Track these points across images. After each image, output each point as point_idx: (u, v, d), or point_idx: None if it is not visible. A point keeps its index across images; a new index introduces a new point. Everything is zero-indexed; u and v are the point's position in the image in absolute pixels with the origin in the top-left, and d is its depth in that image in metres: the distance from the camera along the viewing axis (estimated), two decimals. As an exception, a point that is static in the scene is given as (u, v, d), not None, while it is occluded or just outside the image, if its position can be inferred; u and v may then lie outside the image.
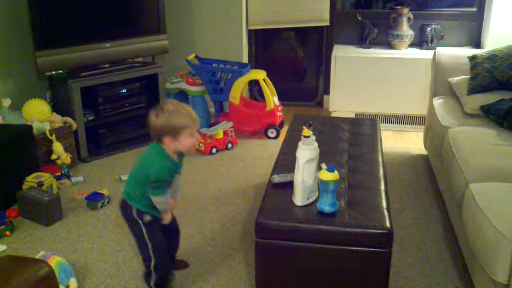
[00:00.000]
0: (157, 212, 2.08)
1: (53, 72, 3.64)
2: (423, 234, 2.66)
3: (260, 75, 4.03)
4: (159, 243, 2.11)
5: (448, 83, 3.37)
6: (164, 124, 1.93)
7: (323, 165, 1.93)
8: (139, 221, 2.06)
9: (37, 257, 2.32)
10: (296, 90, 5.05)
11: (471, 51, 3.44)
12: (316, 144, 2.00)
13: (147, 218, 2.06)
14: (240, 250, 2.53)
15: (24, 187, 2.94)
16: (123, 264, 2.42)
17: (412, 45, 4.36)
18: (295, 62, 5.04)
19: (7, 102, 3.31)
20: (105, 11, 3.68)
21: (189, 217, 2.84)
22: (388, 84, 4.15)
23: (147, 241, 2.08)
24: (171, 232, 2.23)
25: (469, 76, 3.19)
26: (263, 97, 4.12)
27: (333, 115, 4.27)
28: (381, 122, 4.16)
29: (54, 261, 2.22)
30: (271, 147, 3.83)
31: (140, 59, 4.07)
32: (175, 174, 2.06)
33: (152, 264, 2.11)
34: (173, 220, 2.22)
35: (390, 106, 4.22)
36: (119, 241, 2.61)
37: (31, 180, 2.96)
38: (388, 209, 2.01)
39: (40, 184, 2.93)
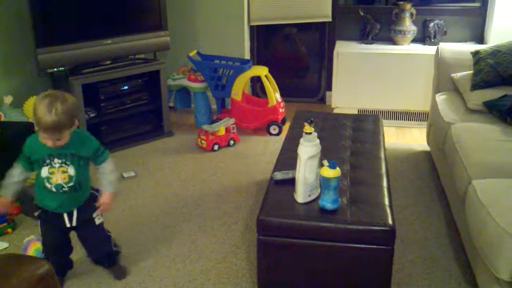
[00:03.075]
0: (47, 204, 2.07)
1: (55, 69, 3.63)
2: (426, 231, 2.65)
3: (262, 71, 4.01)
4: (48, 241, 2.15)
5: (451, 79, 3.35)
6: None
7: (325, 162, 1.92)
8: (35, 213, 2.12)
9: (24, 241, 2.40)
10: (298, 87, 5.03)
11: (474, 47, 3.41)
12: (318, 141, 1.99)
13: (36, 213, 2.11)
14: (242, 247, 2.52)
15: (26, 184, 2.92)
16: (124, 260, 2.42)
17: (414, 40, 4.33)
18: (297, 58, 5.02)
19: (8, 100, 3.31)
20: (106, 7, 3.66)
21: (190, 214, 2.84)
22: (390, 80, 4.13)
23: (40, 235, 2.14)
24: (88, 239, 2.23)
25: (472, 71, 3.16)
26: (265, 93, 4.10)
27: (335, 111, 4.25)
28: (383, 118, 4.14)
29: (34, 247, 2.30)
30: (273, 144, 3.82)
31: (141, 56, 4.06)
32: (42, 156, 2.00)
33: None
34: (93, 229, 2.19)
35: (393, 102, 4.20)
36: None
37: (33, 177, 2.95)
38: (390, 206, 2.00)
39: (42, 181, 2.92)
